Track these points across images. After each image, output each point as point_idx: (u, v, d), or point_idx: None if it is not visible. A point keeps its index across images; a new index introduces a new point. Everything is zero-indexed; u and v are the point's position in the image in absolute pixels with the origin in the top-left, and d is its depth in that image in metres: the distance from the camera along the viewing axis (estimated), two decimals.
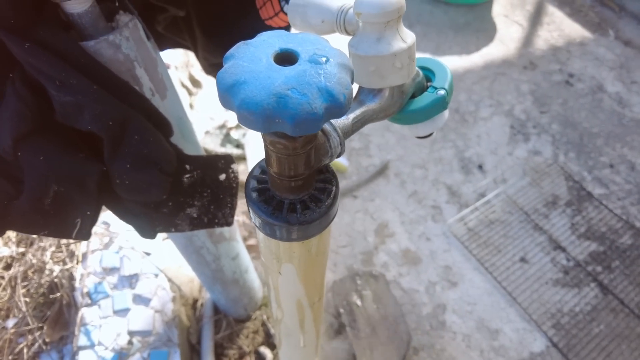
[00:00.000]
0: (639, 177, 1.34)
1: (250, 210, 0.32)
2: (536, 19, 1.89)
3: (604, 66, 1.69)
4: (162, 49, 0.63)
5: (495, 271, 1.12)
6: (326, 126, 0.30)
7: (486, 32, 1.81)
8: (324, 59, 0.23)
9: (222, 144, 1.28)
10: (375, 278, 1.08)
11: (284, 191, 0.30)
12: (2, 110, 0.37)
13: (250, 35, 0.56)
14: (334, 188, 0.32)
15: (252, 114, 0.21)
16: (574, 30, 1.84)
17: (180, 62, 1.47)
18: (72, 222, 0.41)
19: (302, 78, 0.21)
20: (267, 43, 0.23)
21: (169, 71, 1.40)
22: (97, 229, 0.97)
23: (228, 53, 0.23)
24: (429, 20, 1.85)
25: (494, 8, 1.93)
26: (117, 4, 0.43)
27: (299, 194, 0.31)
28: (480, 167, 1.35)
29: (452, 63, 1.66)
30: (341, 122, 0.31)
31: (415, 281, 1.10)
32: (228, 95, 0.22)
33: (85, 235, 0.42)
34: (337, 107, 0.22)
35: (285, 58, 0.23)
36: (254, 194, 0.31)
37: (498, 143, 1.41)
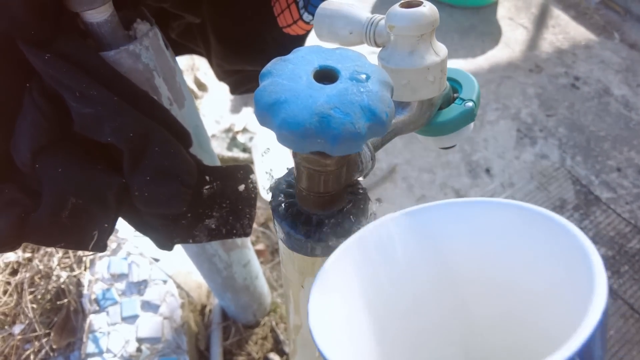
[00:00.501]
0: None
1: (276, 224, 0.31)
2: (541, 22, 1.89)
3: (610, 69, 1.68)
4: (175, 56, 0.63)
5: None
6: None
7: (491, 35, 1.81)
8: (364, 76, 0.22)
9: (229, 148, 1.27)
10: None
11: (312, 206, 0.30)
12: (20, 121, 0.37)
13: (268, 42, 0.55)
14: (362, 205, 0.31)
15: (293, 134, 0.20)
16: (579, 33, 1.83)
17: (185, 66, 1.46)
18: (89, 235, 0.40)
19: (344, 97, 0.21)
20: (305, 59, 0.23)
21: None
22: None
23: (265, 69, 0.23)
24: None
25: (499, 11, 1.93)
26: (134, 12, 0.43)
27: (328, 209, 0.30)
28: (487, 171, 1.34)
29: (458, 66, 1.65)
30: None
31: None
32: (268, 115, 0.21)
33: (101, 247, 0.42)
34: (380, 126, 0.21)
35: (325, 75, 0.22)
36: (281, 208, 0.31)
37: (505, 147, 1.41)
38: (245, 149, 1.29)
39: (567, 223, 0.22)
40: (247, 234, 0.45)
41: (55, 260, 0.98)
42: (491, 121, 1.48)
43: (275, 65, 0.23)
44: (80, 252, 0.98)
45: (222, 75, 0.61)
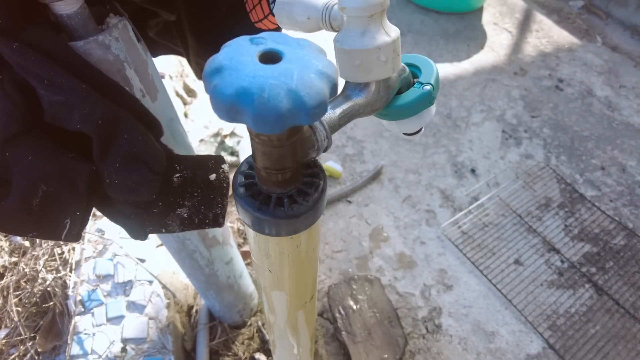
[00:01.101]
0: (630, 179, 1.35)
1: (238, 206, 0.32)
2: (525, 26, 1.92)
3: (593, 71, 1.71)
4: (155, 55, 0.64)
5: (490, 274, 1.12)
6: None
7: (476, 39, 1.84)
8: (307, 64, 0.23)
9: (217, 152, 1.28)
10: (371, 282, 1.08)
11: (271, 185, 0.31)
12: None
13: None
14: (321, 182, 0.32)
15: (217, 101, 0.21)
16: (562, 37, 1.87)
17: (174, 72, 1.47)
18: (61, 223, 0.41)
19: (276, 77, 0.22)
20: (261, 41, 0.24)
21: (164, 81, 1.40)
22: (90, 236, 0.96)
23: (226, 43, 0.24)
24: (420, 29, 1.88)
25: (484, 16, 1.96)
26: (107, 7, 0.44)
27: (286, 188, 0.31)
28: (473, 171, 1.36)
29: (444, 70, 1.68)
30: (328, 116, 0.32)
31: (410, 285, 1.10)
32: (207, 80, 0.22)
33: (75, 236, 0.42)
34: (302, 112, 0.22)
35: (272, 57, 0.23)
36: (242, 189, 0.31)
37: (490, 147, 1.43)
38: (233, 152, 1.30)
39: None
40: (220, 224, 0.46)
41: (41, 263, 0.98)
42: (476, 123, 1.50)
43: (237, 41, 0.24)
44: (66, 254, 0.98)
45: (200, 73, 0.63)
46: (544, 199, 1.29)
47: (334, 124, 0.32)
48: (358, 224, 1.21)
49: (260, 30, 0.51)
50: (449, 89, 1.61)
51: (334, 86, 0.24)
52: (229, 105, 0.21)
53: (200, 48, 0.57)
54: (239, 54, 0.23)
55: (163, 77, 1.41)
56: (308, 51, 0.24)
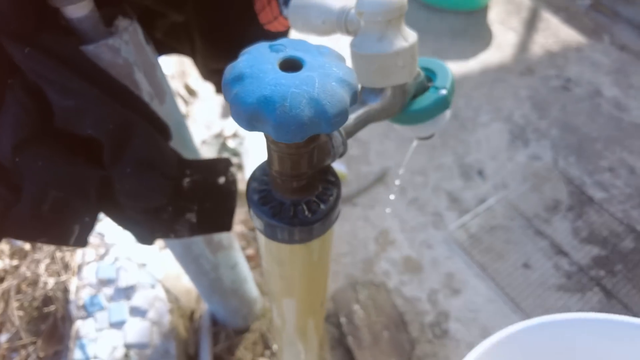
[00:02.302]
0: (638, 181, 1.34)
1: (252, 212, 0.31)
2: (532, 25, 1.91)
3: (601, 71, 1.70)
4: (160, 55, 0.63)
5: (497, 277, 1.11)
6: None
7: (483, 38, 1.83)
8: (328, 72, 0.22)
9: (219, 153, 1.28)
10: (377, 286, 1.07)
11: (285, 192, 0.30)
12: (2, 116, 0.37)
13: (251, 40, 0.56)
14: (335, 190, 0.31)
15: (239, 109, 0.21)
16: (569, 35, 1.86)
17: (176, 72, 1.47)
18: (70, 229, 0.40)
19: (297, 85, 0.21)
20: (280, 48, 0.23)
21: None
22: (92, 240, 0.96)
23: (245, 50, 0.23)
24: (425, 27, 1.87)
25: (490, 15, 1.95)
26: (116, 9, 0.43)
27: (301, 194, 0.30)
28: (480, 173, 1.34)
29: (450, 69, 1.67)
30: None
31: (417, 289, 1.09)
32: (227, 87, 0.22)
33: (82, 242, 0.42)
34: (323, 120, 0.21)
35: (293, 65, 0.23)
36: (256, 196, 0.31)
37: (498, 149, 1.41)
38: (235, 154, 1.30)
39: None
40: (228, 229, 0.45)
41: (42, 267, 0.98)
42: (484, 123, 1.49)
43: (255, 47, 0.23)
44: (67, 258, 0.98)
45: (207, 74, 0.62)
46: (552, 201, 1.28)
47: (349, 130, 0.31)
48: (364, 226, 1.21)
49: (270, 32, 0.50)
50: (456, 89, 1.60)
51: (355, 94, 0.23)
52: (250, 114, 0.21)
53: (208, 49, 0.57)
54: (259, 62, 0.22)
55: None
56: (329, 58, 0.23)
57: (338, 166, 1.31)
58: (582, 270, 1.14)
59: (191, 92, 1.48)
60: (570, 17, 1.95)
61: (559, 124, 1.50)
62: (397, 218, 1.23)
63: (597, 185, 1.32)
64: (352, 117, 0.31)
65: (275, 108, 0.20)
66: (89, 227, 0.41)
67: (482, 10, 1.95)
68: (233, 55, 0.26)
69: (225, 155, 1.29)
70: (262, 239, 0.35)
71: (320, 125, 0.21)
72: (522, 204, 1.27)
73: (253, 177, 0.32)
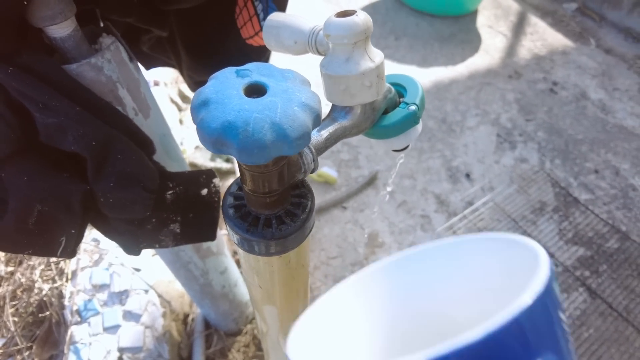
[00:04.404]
0: (623, 182, 1.36)
1: (228, 227, 0.33)
2: (520, 29, 1.94)
3: (587, 74, 1.72)
4: (148, 68, 0.65)
5: None
6: None
7: (471, 43, 1.85)
8: (290, 96, 0.24)
9: (212, 159, 1.29)
10: None
11: (259, 207, 0.31)
12: None
13: (233, 54, 0.58)
14: (309, 202, 0.33)
15: (205, 134, 0.22)
16: (556, 39, 1.88)
17: (169, 79, 1.48)
18: (56, 241, 0.41)
19: (260, 110, 0.23)
20: (247, 73, 0.25)
21: (159, 88, 1.41)
22: (86, 246, 0.97)
23: (214, 75, 0.25)
24: (415, 32, 1.89)
25: (479, 19, 1.97)
26: (100, 26, 0.44)
27: (275, 209, 0.32)
28: (467, 175, 1.37)
29: (438, 74, 1.69)
30: (314, 139, 0.33)
31: None
32: (194, 112, 0.23)
33: (70, 253, 0.43)
34: (285, 144, 0.23)
35: (257, 90, 0.24)
36: (231, 211, 0.32)
37: (485, 152, 1.44)
38: (228, 160, 1.31)
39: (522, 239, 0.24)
40: (211, 238, 0.47)
41: (37, 273, 0.99)
42: (471, 127, 1.51)
43: (223, 72, 0.25)
44: (62, 264, 0.99)
45: (193, 86, 0.63)
46: (538, 203, 1.30)
47: (320, 147, 0.32)
48: (353, 229, 1.22)
49: (251, 46, 0.52)
50: (444, 93, 1.62)
51: (317, 117, 0.25)
52: (215, 138, 0.22)
53: (192, 62, 0.58)
54: (225, 87, 0.24)
55: (157, 84, 1.41)
56: (292, 83, 0.25)
57: (328, 170, 1.33)
58: (567, 271, 1.16)
59: (185, 98, 1.49)
60: (557, 21, 1.98)
61: (546, 126, 1.52)
62: (386, 221, 1.24)
63: (582, 187, 1.35)
64: (323, 134, 0.33)
65: (238, 133, 0.22)
66: (75, 238, 0.42)
67: (471, 15, 1.98)
68: (216, 68, 0.27)
69: (218, 160, 1.30)
70: (240, 250, 0.37)
71: (282, 148, 0.23)
72: (509, 206, 1.29)
73: (228, 192, 0.33)
